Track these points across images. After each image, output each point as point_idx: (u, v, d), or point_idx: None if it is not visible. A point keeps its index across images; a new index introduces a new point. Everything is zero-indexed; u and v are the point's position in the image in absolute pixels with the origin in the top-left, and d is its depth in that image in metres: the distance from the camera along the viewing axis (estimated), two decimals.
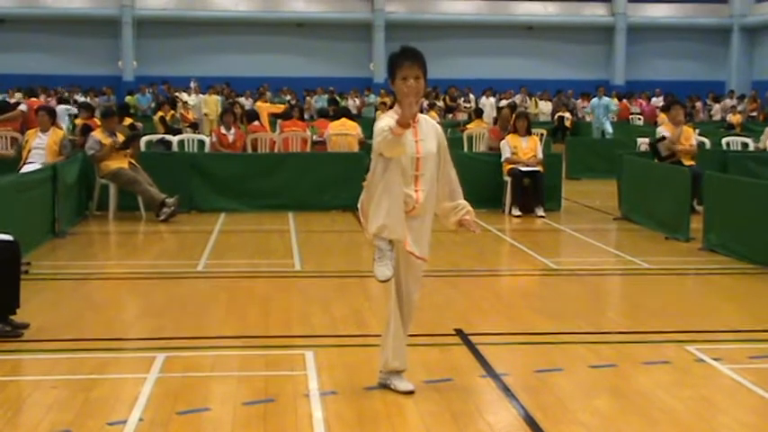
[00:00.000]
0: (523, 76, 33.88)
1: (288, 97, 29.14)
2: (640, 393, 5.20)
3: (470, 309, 7.32)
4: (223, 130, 14.40)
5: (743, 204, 9.21)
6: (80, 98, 27.45)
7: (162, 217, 11.68)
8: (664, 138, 12.49)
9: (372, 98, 30.10)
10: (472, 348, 6.05)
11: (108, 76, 34.26)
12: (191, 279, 8.58)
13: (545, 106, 29.92)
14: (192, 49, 35.68)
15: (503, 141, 13.07)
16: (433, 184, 5.01)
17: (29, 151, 11.97)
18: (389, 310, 5.10)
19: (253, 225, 11.72)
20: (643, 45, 37.56)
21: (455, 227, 5.18)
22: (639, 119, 28.09)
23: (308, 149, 14.86)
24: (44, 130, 12.13)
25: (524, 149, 12.82)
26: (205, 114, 24.81)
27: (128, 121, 15.31)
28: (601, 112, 24.01)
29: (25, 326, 6.35)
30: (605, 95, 24.81)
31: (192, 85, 29.20)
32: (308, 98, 30.15)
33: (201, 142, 15.18)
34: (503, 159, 12.88)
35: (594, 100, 24.74)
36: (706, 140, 16.27)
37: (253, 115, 17.04)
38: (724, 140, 16.94)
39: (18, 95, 20.53)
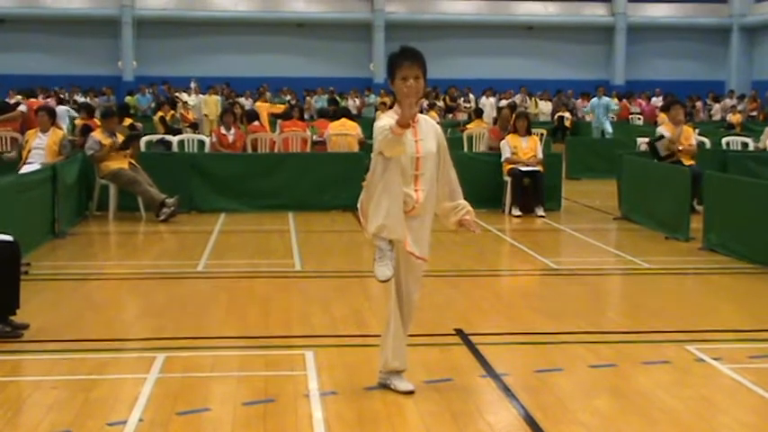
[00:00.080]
0: (523, 76, 33.88)
1: (288, 97, 29.14)
2: (640, 393, 5.20)
3: (470, 309, 7.32)
4: (223, 131, 14.40)
5: (743, 204, 9.21)
6: (80, 98, 27.46)
7: (162, 217, 11.68)
8: (662, 136, 12.49)
9: (372, 98, 30.10)
10: (472, 348, 6.05)
11: (108, 76, 34.26)
12: (191, 279, 8.58)
13: (545, 106, 29.92)
14: (192, 49, 35.68)
15: (503, 141, 13.07)
16: (433, 184, 5.01)
17: (28, 151, 11.98)
18: (389, 310, 5.10)
19: (253, 225, 11.72)
20: (643, 45, 37.56)
21: (455, 227, 5.18)
22: (639, 119, 28.09)
23: (308, 149, 14.87)
24: (44, 131, 12.13)
25: (524, 149, 12.82)
26: (205, 115, 24.80)
27: (128, 121, 15.31)
28: (601, 112, 24.00)
29: (25, 326, 6.34)
30: (605, 95, 24.80)
31: (192, 85, 29.20)
32: (307, 98, 30.15)
33: (201, 142, 15.18)
34: (503, 159, 12.88)
35: (594, 100, 24.73)
36: (706, 140, 16.27)
37: (253, 115, 17.04)
38: (724, 140, 16.94)
39: (18, 97, 20.50)
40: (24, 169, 11.42)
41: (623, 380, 5.46)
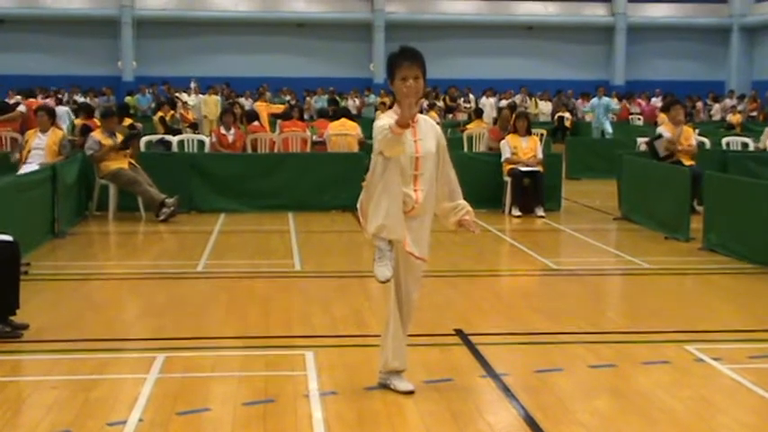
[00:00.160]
0: (523, 76, 33.87)
1: (288, 98, 29.13)
2: (640, 393, 5.20)
3: (470, 309, 7.32)
4: (223, 131, 14.40)
5: (743, 204, 9.21)
6: (80, 98, 27.45)
7: (162, 217, 11.68)
8: (661, 136, 12.49)
9: (372, 98, 30.10)
10: (472, 348, 6.05)
11: (107, 76, 34.25)
12: (191, 279, 8.58)
13: (545, 106, 29.90)
14: (192, 49, 35.68)
15: (503, 141, 13.07)
16: (433, 184, 5.01)
17: (28, 152, 11.97)
18: (389, 311, 5.10)
19: (253, 225, 11.72)
20: (643, 45, 37.56)
21: (455, 227, 5.18)
22: (639, 119, 28.09)
23: (308, 150, 14.87)
24: (44, 131, 12.13)
25: (524, 149, 12.82)
26: (204, 116, 24.79)
27: (127, 121, 15.31)
28: (601, 112, 24.01)
29: (25, 326, 6.35)
30: (605, 96, 24.80)
31: (192, 85, 29.19)
32: (307, 98, 30.15)
33: (201, 142, 15.18)
34: (503, 159, 12.88)
35: (594, 100, 24.74)
36: (706, 140, 16.28)
37: (252, 115, 17.05)
38: (724, 140, 16.95)
39: (18, 97, 20.51)
40: (24, 169, 11.42)
41: (623, 380, 5.46)
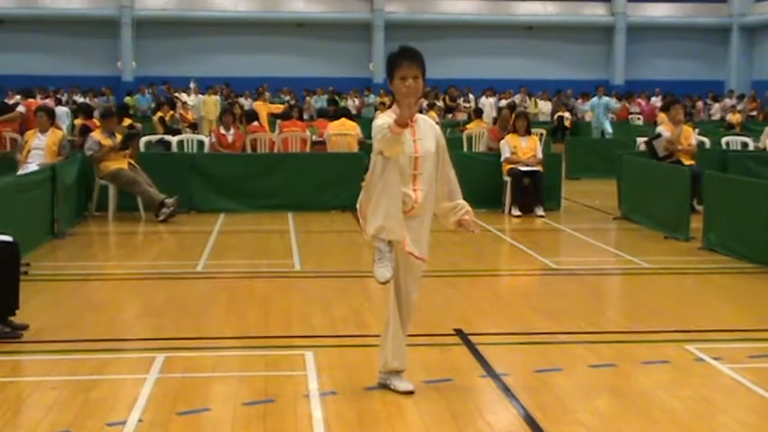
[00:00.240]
0: (523, 76, 33.86)
1: (287, 98, 29.12)
2: (640, 393, 5.20)
3: (470, 309, 7.31)
4: (222, 131, 14.40)
5: (742, 204, 9.21)
6: (79, 99, 27.45)
7: (161, 217, 11.68)
8: (660, 135, 12.49)
9: (372, 98, 30.09)
10: (472, 348, 6.05)
11: (107, 76, 34.23)
12: (190, 279, 8.58)
13: (545, 106, 29.90)
14: (192, 49, 35.66)
15: (502, 141, 13.07)
16: (432, 184, 5.00)
17: (28, 152, 11.97)
18: (389, 311, 5.10)
19: (252, 225, 11.72)
20: (643, 45, 37.55)
21: (454, 227, 5.18)
22: (639, 118, 28.10)
23: (308, 150, 14.87)
24: (43, 131, 12.13)
25: (524, 149, 12.82)
26: (202, 116, 24.79)
27: (127, 121, 15.32)
28: (600, 112, 24.01)
29: (24, 327, 6.34)
30: (605, 95, 24.80)
31: (192, 85, 29.18)
32: (307, 98, 30.14)
33: (201, 143, 15.19)
34: (502, 159, 12.88)
35: (594, 99, 24.74)
36: (706, 140, 16.28)
37: (252, 115, 17.05)
38: (723, 140, 16.95)
39: (17, 97, 20.52)
40: (23, 170, 11.42)
41: (623, 379, 5.46)
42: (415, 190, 4.91)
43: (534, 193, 12.56)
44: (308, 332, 6.52)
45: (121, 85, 33.48)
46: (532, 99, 30.21)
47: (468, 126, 19.94)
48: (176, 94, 26.98)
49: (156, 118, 20.37)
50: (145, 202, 11.96)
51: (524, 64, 36.72)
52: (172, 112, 21.33)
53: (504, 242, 10.84)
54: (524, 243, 10.42)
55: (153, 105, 26.81)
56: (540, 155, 12.91)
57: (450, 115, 27.61)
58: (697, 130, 15.72)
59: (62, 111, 20.57)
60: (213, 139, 14.43)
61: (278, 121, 18.29)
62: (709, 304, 7.59)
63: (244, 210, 12.63)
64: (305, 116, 22.03)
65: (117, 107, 17.86)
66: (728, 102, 30.35)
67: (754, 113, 29.04)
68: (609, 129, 23.66)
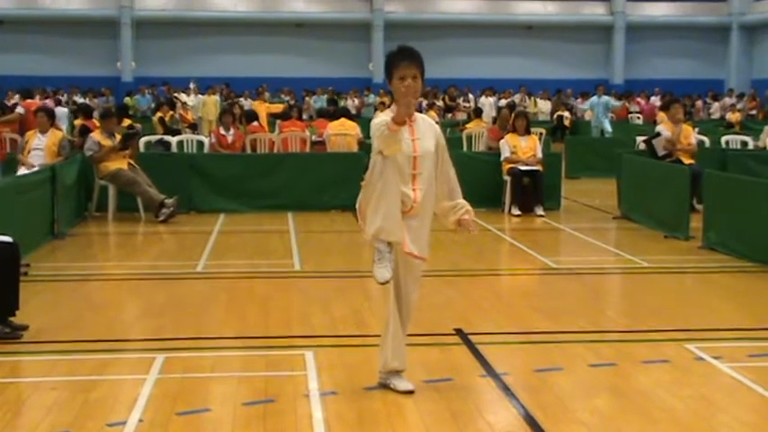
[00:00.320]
0: (523, 76, 33.87)
1: (287, 98, 29.11)
2: (640, 392, 5.20)
3: (470, 308, 7.31)
4: (222, 131, 14.40)
5: (742, 203, 9.21)
6: (79, 99, 27.45)
7: (161, 218, 11.68)
8: (659, 134, 12.49)
9: (372, 98, 30.09)
10: (472, 348, 6.05)
11: (107, 77, 34.22)
12: (190, 280, 8.58)
13: (544, 105, 29.91)
14: (191, 49, 35.66)
15: (502, 141, 13.07)
16: (431, 184, 5.00)
17: (28, 152, 11.97)
18: (388, 311, 5.10)
19: (252, 225, 11.72)
20: (642, 44, 37.56)
21: (454, 226, 5.18)
22: (638, 118, 28.10)
23: (308, 149, 14.87)
24: (43, 132, 12.13)
25: (524, 149, 12.82)
26: (200, 117, 24.79)
27: (126, 122, 15.32)
28: (600, 111, 24.01)
29: (24, 327, 6.34)
30: (605, 94, 24.80)
31: (191, 85, 29.18)
32: (306, 98, 30.14)
33: (200, 143, 15.19)
34: (502, 159, 12.88)
35: (594, 98, 24.74)
36: (705, 139, 16.29)
37: (252, 116, 17.05)
38: (723, 139, 16.95)
39: (17, 97, 20.53)
40: (23, 170, 11.42)
41: (623, 379, 5.46)
42: (414, 189, 4.91)
43: (534, 192, 12.56)
44: (308, 332, 6.52)
45: (121, 86, 33.48)
46: (532, 98, 30.21)
47: (467, 126, 19.95)
48: (176, 95, 26.98)
49: (155, 118, 20.38)
50: (145, 202, 11.96)
51: (524, 63, 36.72)
52: (171, 112, 21.33)
53: (504, 242, 10.84)
54: (524, 242, 10.42)
55: (153, 106, 26.81)
56: (539, 154, 12.91)
57: (449, 115, 27.61)
58: (696, 129, 15.73)
59: (62, 111, 20.57)
60: (213, 140, 14.43)
61: (277, 122, 18.28)
62: (708, 303, 7.59)
63: (244, 210, 12.63)
64: (304, 116, 22.04)
65: (117, 108, 17.86)
66: (728, 101, 30.35)
67: (754, 112, 29.03)
68: (608, 128, 23.66)
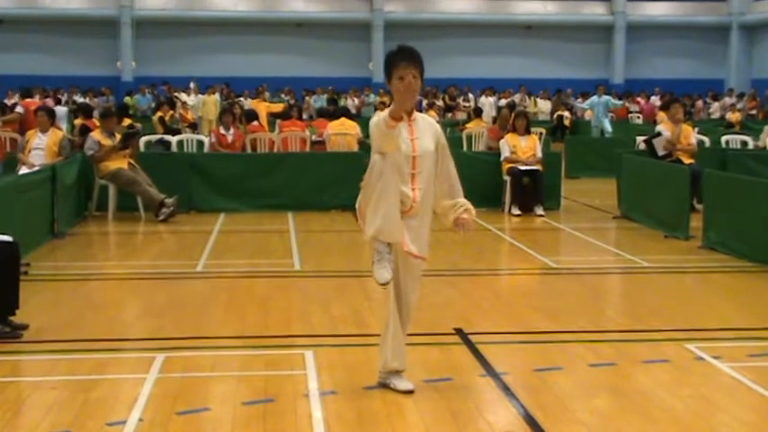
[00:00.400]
0: (523, 76, 33.89)
1: (287, 97, 29.11)
2: (640, 392, 5.20)
3: (470, 308, 7.31)
4: (222, 131, 14.40)
5: (742, 202, 9.21)
6: (79, 99, 27.45)
7: (161, 217, 11.68)
8: (659, 134, 12.49)
9: (371, 98, 30.09)
10: (472, 348, 6.05)
11: (107, 76, 34.24)
12: (190, 279, 8.58)
13: (544, 105, 29.92)
14: (191, 49, 35.67)
15: (502, 140, 13.07)
16: (431, 183, 5.00)
17: (29, 152, 11.97)
18: (388, 310, 5.10)
19: (252, 225, 11.72)
20: (642, 44, 37.57)
21: (452, 225, 5.17)
22: (638, 117, 28.09)
23: (308, 149, 14.87)
24: (43, 131, 12.13)
25: (523, 148, 12.82)
26: (199, 116, 24.78)
27: (126, 121, 15.31)
28: (600, 111, 24.01)
29: (24, 327, 6.35)
30: (605, 94, 24.81)
31: (192, 85, 29.19)
32: (306, 98, 30.14)
33: (201, 142, 15.19)
34: (502, 158, 12.88)
35: (594, 98, 24.74)
36: (705, 138, 16.29)
37: (252, 115, 17.05)
38: (723, 138, 16.95)
39: (16, 97, 20.54)
40: (24, 170, 11.42)
41: (623, 378, 5.46)
42: (413, 189, 4.91)
43: (534, 192, 12.56)
44: (308, 332, 6.52)
45: (121, 85, 33.49)
46: (532, 98, 30.22)
47: (467, 125, 19.96)
48: (176, 94, 26.98)
49: (155, 118, 20.39)
50: (145, 201, 11.96)
51: (524, 63, 36.73)
52: (171, 112, 21.34)
53: (504, 241, 10.84)
54: (524, 242, 10.41)
55: (153, 105, 26.81)
56: (539, 154, 12.91)
57: (449, 114, 27.63)
58: (696, 129, 15.73)
59: (62, 111, 20.58)
60: (213, 139, 14.43)
61: (277, 121, 18.28)
62: (708, 303, 7.59)
63: (244, 209, 12.63)
64: (304, 116, 22.04)
65: (117, 107, 17.86)
66: (728, 100, 30.35)
67: (754, 112, 29.04)
68: (608, 128, 23.66)
